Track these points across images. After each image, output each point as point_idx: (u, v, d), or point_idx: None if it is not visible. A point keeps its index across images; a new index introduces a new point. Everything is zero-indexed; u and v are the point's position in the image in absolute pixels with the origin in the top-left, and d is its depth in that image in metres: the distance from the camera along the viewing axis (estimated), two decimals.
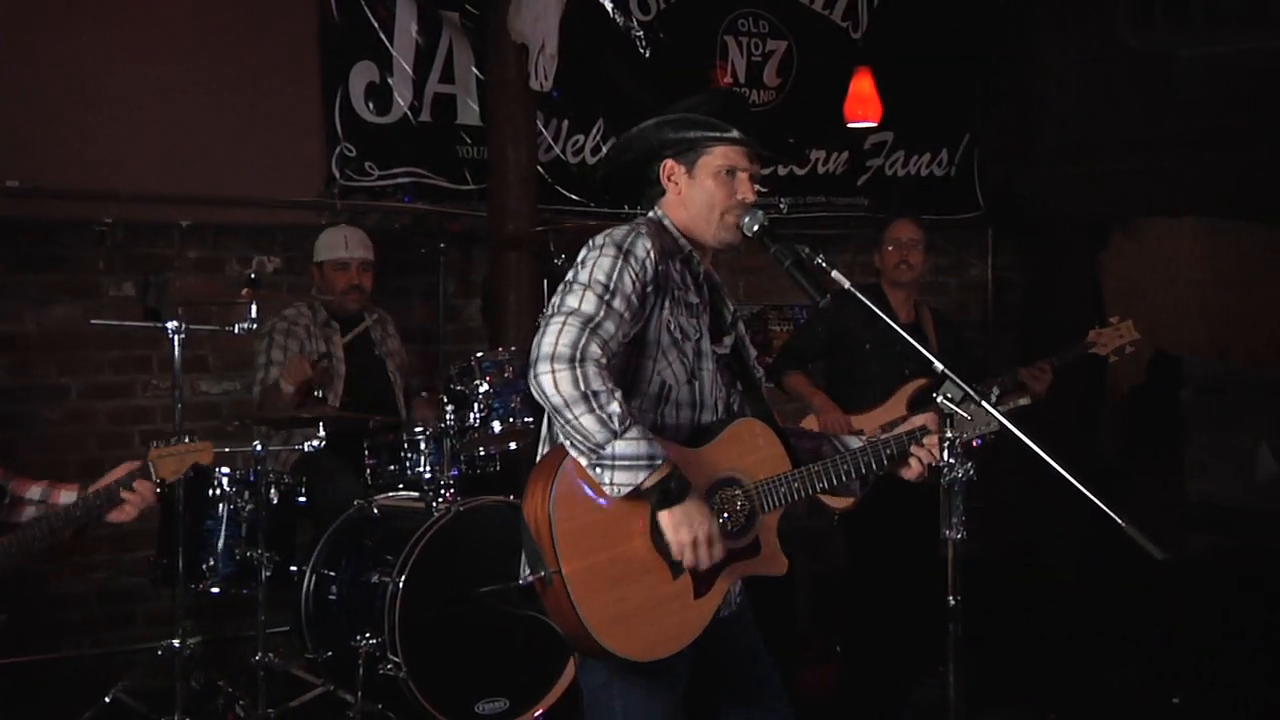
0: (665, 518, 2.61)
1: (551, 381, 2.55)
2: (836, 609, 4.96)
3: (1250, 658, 5.14)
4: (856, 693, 4.80)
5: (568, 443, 2.58)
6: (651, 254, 2.69)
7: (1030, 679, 5.27)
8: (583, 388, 2.53)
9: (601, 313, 2.61)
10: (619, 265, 2.67)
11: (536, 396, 2.61)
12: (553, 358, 2.55)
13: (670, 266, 2.76)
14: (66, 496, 3.22)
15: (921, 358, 4.72)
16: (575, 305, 2.61)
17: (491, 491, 4.59)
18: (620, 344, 2.66)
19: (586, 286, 2.64)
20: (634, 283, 2.67)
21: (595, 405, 2.52)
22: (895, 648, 4.85)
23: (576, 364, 2.54)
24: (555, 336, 2.57)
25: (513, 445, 4.76)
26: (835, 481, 2.87)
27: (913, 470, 2.92)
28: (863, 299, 2.91)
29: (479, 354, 4.75)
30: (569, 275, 2.71)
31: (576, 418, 2.53)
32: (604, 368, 2.56)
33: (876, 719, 4.84)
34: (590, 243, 2.74)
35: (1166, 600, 5.41)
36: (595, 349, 2.57)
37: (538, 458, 2.78)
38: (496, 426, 4.66)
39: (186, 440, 3.51)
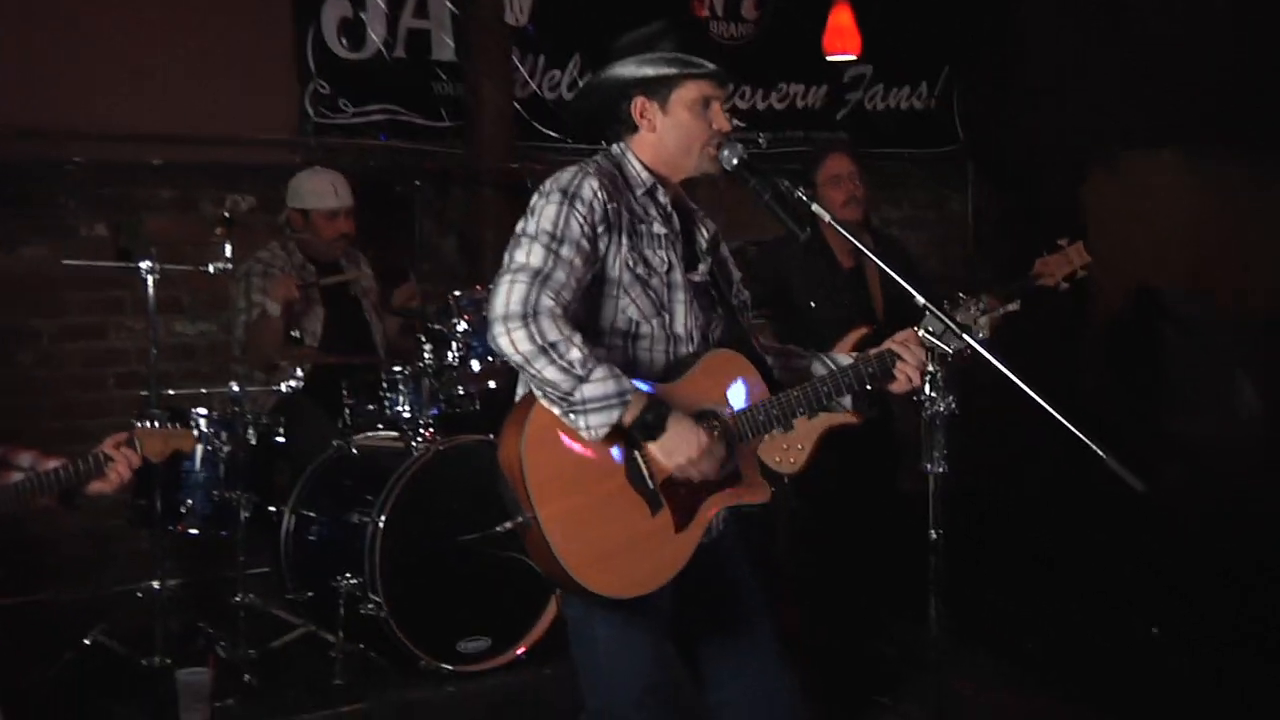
0: (656, 450, 2.62)
1: (508, 341, 2.55)
2: (815, 546, 4.96)
3: (1226, 590, 5.17)
4: (832, 631, 4.83)
5: (539, 394, 2.59)
6: (599, 193, 2.67)
7: (1009, 612, 5.31)
8: (539, 341, 2.53)
9: (550, 263, 2.60)
10: (564, 211, 2.65)
11: (499, 354, 2.61)
12: (505, 317, 2.55)
13: (628, 201, 2.75)
14: (53, 465, 3.22)
15: (867, 305, 4.80)
16: (523, 260, 2.60)
17: (471, 430, 4.58)
18: (576, 289, 2.66)
19: (533, 238, 2.63)
20: (583, 226, 2.65)
21: (555, 356, 2.53)
22: (871, 586, 4.87)
23: (530, 319, 2.54)
24: (505, 296, 2.57)
25: (492, 384, 4.74)
26: (816, 405, 2.87)
27: (900, 385, 2.90)
28: (844, 232, 2.89)
29: (457, 293, 4.71)
30: (519, 226, 2.70)
31: (539, 371, 2.54)
32: (559, 316, 2.56)
33: (855, 656, 4.88)
34: (539, 190, 2.73)
35: (1144, 534, 5.43)
36: (547, 301, 2.56)
37: (516, 397, 2.77)
38: (475, 365, 4.64)
39: (172, 426, 3.52)
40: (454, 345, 4.64)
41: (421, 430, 4.57)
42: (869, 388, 2.92)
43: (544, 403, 2.59)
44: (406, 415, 4.64)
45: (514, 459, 2.59)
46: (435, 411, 4.65)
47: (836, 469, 4.54)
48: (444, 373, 4.66)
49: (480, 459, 4.36)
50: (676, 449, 2.62)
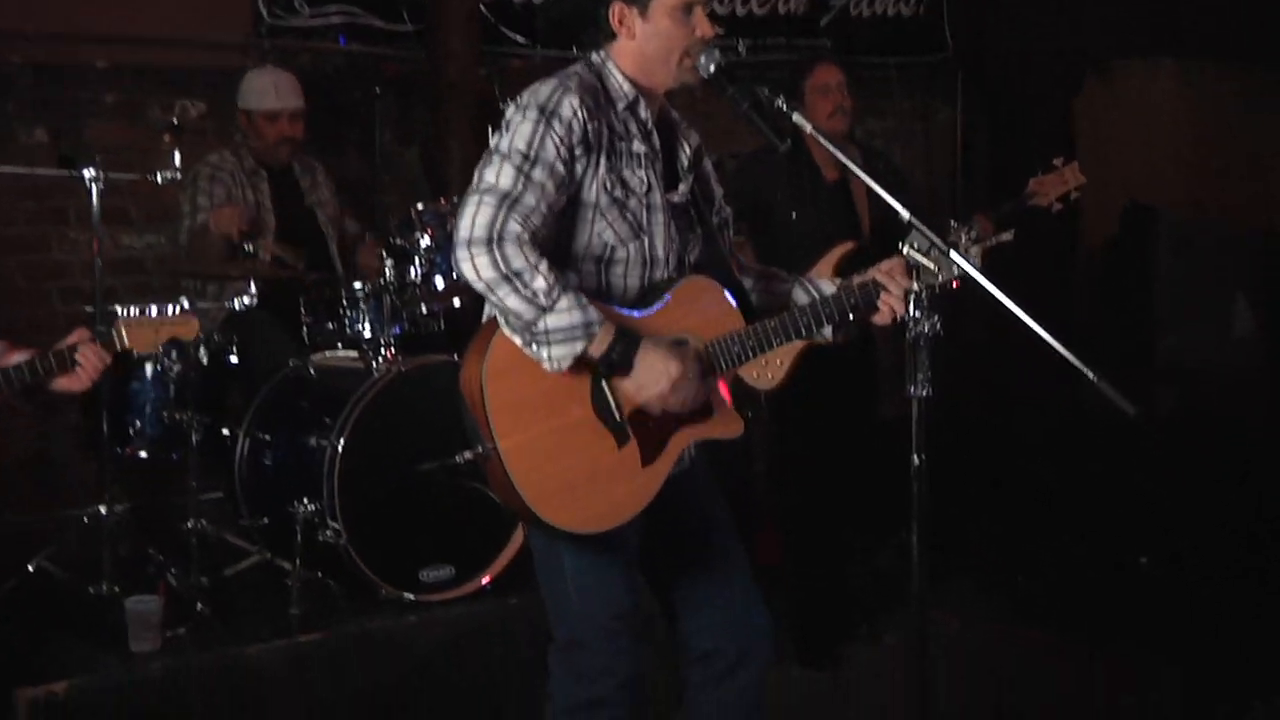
0: (626, 385, 2.61)
1: (471, 267, 2.50)
2: (795, 472, 4.94)
3: (1218, 518, 5.17)
4: (811, 560, 4.82)
5: (502, 322, 2.56)
6: (579, 112, 2.60)
7: (995, 542, 5.31)
8: (503, 269, 2.48)
9: (520, 186, 2.54)
10: (540, 131, 2.57)
11: (463, 279, 2.56)
12: (469, 241, 2.50)
13: (609, 118, 2.72)
14: (19, 358, 3.09)
15: (852, 220, 4.76)
16: (492, 181, 2.54)
17: (435, 350, 4.51)
18: (547, 214, 2.59)
19: (505, 157, 2.57)
20: (559, 148, 2.59)
21: (519, 285, 2.48)
22: (853, 514, 4.87)
23: (494, 245, 2.49)
24: (471, 218, 2.51)
25: (457, 301, 4.67)
26: (794, 336, 2.84)
27: (884, 316, 2.87)
28: (827, 144, 2.83)
29: (419, 206, 4.63)
30: (491, 142, 2.63)
31: (502, 299, 2.50)
32: (526, 242, 2.51)
33: (834, 586, 4.87)
34: (515, 102, 2.65)
35: (1136, 461, 5.42)
36: (514, 226, 2.50)
37: (483, 317, 2.72)
38: (439, 282, 4.57)
39: (175, 311, 3.31)
40: (417, 261, 4.56)
41: (383, 350, 4.49)
42: (850, 318, 2.89)
43: (505, 330, 2.57)
44: (367, 334, 4.57)
45: (475, 386, 2.56)
46: (397, 330, 4.57)
47: (816, 393, 4.53)
48: (406, 290, 4.58)
49: (444, 380, 4.14)
50: (647, 383, 2.59)
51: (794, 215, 4.68)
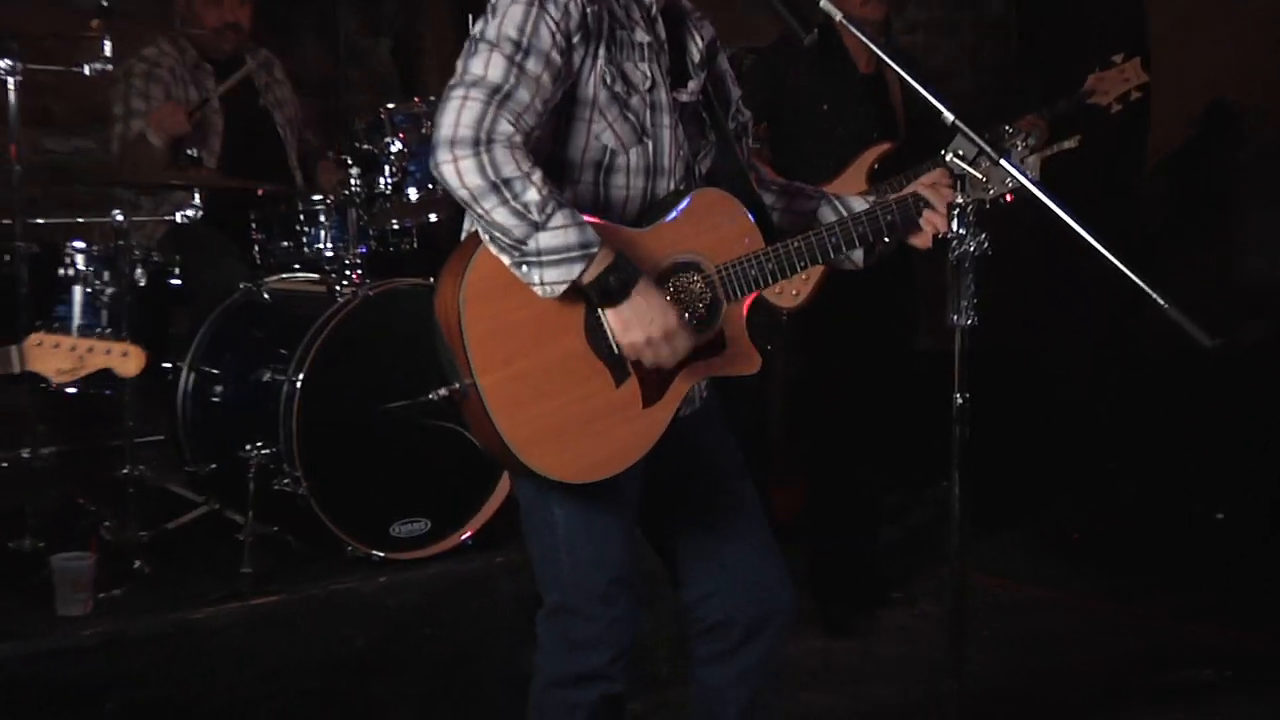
0: (612, 317, 2.59)
1: (454, 171, 2.47)
2: (816, 415, 4.96)
3: None
4: (837, 515, 4.83)
5: (486, 238, 2.54)
6: None
7: (1043, 495, 5.32)
8: (491, 176, 2.45)
9: (512, 79, 2.50)
10: (534, 15, 2.54)
11: (444, 187, 2.54)
12: (453, 142, 2.47)
13: (609, 2, 2.69)
14: None
15: (888, 117, 4.74)
16: (480, 72, 2.51)
17: (407, 272, 4.51)
18: (542, 112, 2.57)
19: (494, 46, 2.52)
20: (554, 34, 2.55)
21: (508, 195, 2.46)
22: (883, 462, 4.88)
23: (481, 147, 2.46)
24: (455, 115, 2.48)
25: (433, 216, 4.69)
26: (820, 258, 2.84)
27: (925, 237, 2.89)
28: (858, 33, 2.80)
29: (390, 105, 4.63)
30: (476, 27, 2.59)
31: (488, 212, 2.47)
32: (518, 146, 2.48)
33: (863, 545, 4.89)
34: None
35: (1209, 400, 5.41)
36: (505, 126, 2.47)
37: (462, 233, 2.71)
38: (413, 194, 4.58)
39: (113, 344, 3.24)
40: (387, 170, 4.55)
41: (347, 271, 4.50)
42: (885, 240, 2.90)
43: (491, 248, 2.55)
44: (329, 253, 4.59)
45: (452, 312, 2.56)
46: (364, 249, 4.58)
47: (845, 320, 4.53)
48: (374, 203, 4.58)
49: (417, 306, 4.19)
50: (632, 323, 2.59)
51: (824, 108, 4.67)
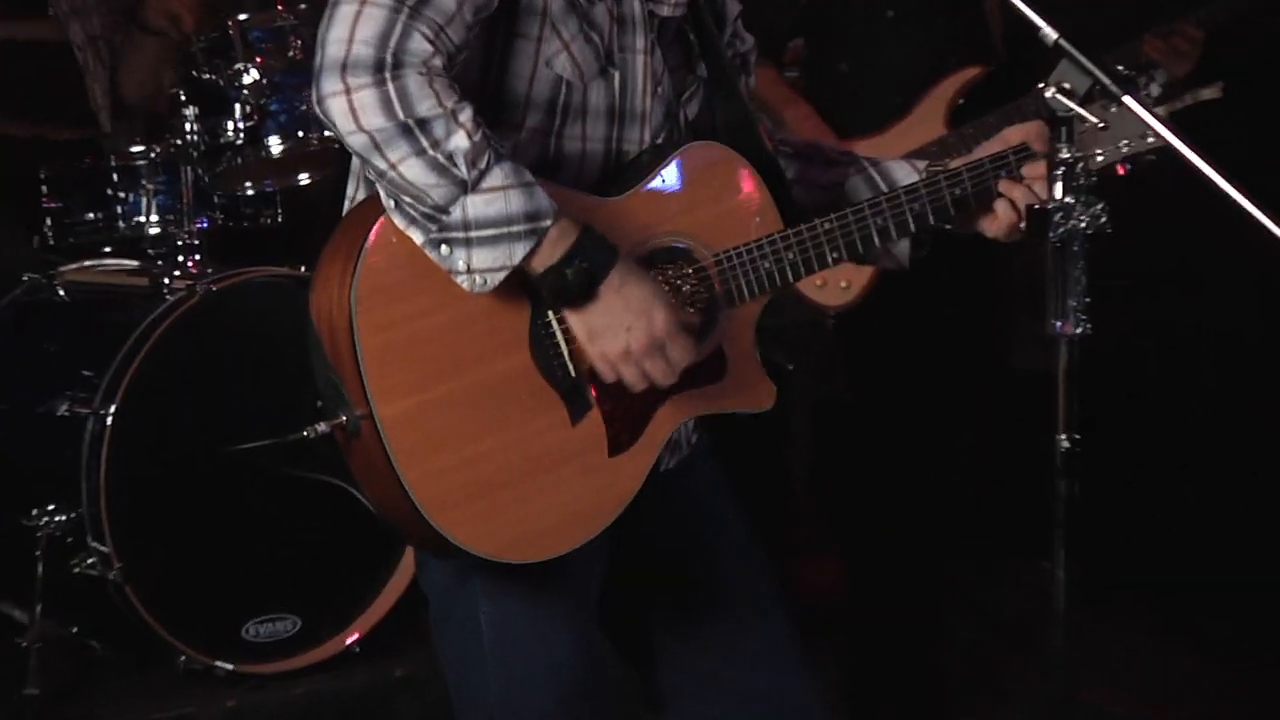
0: (574, 322, 2.62)
1: (345, 108, 2.47)
2: (850, 462, 5.00)
3: None
4: (886, 599, 4.90)
5: (389, 204, 2.55)
6: None
7: (1173, 572, 5.36)
8: (400, 114, 2.45)
9: None
10: None
11: (330, 130, 2.53)
12: (344, 66, 2.46)
13: None
14: None
15: (979, 31, 4.75)
16: None
17: (267, 258, 4.58)
18: (471, 25, 2.57)
19: None
20: None
21: (425, 142, 2.45)
22: (952, 527, 4.91)
23: (387, 74, 2.45)
24: (348, 29, 2.47)
25: (303, 178, 4.78)
26: (858, 249, 2.87)
27: (1000, 222, 2.92)
28: None
29: (243, 17, 4.68)
30: None
31: (394, 166, 2.47)
32: (439, 71, 2.48)
33: (925, 644, 4.93)
34: None
35: None
36: (420, 44, 2.47)
37: (346, 202, 2.73)
38: (275, 144, 4.66)
39: None
40: (237, 110, 4.62)
41: (179, 257, 4.57)
42: (947, 225, 2.94)
43: (397, 220, 2.55)
44: (153, 230, 4.65)
45: (339, 316, 2.58)
46: (203, 224, 4.66)
47: (898, 328, 4.55)
48: (219, 157, 4.65)
49: (282, 307, 4.36)
50: (605, 330, 2.61)
51: (889, 14, 4.70)
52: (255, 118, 4.61)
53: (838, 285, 3.63)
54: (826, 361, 4.81)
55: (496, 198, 2.48)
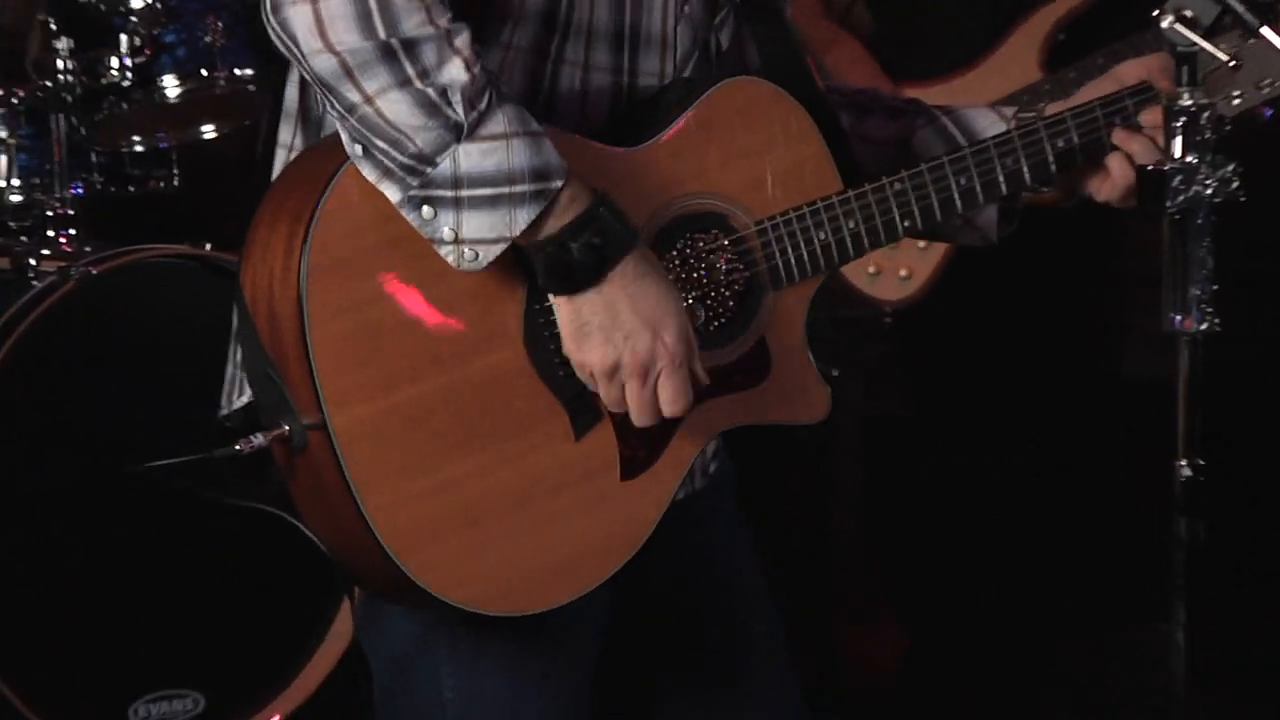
0: (566, 311, 2.61)
1: (311, 19, 2.46)
2: (910, 498, 5.00)
3: None
4: (956, 676, 4.91)
5: (356, 152, 2.54)
6: None
7: None
8: (382, 32, 2.45)
9: None
10: None
11: (284, 51, 2.53)
12: None
13: None
14: None
15: None
16: None
17: (159, 233, 4.59)
18: None
19: None
20: None
21: (412, 70, 2.46)
22: (1031, 583, 4.93)
23: None
24: None
25: (207, 130, 4.79)
26: (935, 216, 2.89)
27: (1114, 181, 2.93)
28: None
29: None
30: None
31: (370, 100, 2.47)
32: None
33: None
34: None
35: None
36: None
37: (278, 157, 2.74)
38: (171, 87, 4.69)
39: None
40: (123, 41, 4.64)
41: (48, 232, 4.59)
42: (1045, 188, 2.97)
43: (365, 171, 2.54)
44: (15, 198, 4.67)
45: (282, 296, 2.57)
46: (79, 190, 4.69)
47: (975, 327, 4.54)
48: (99, 103, 4.68)
49: (178, 297, 4.40)
50: (602, 333, 2.60)
51: None
52: (146, 52, 4.59)
53: (896, 274, 3.66)
54: (880, 371, 4.79)
55: (497, 148, 2.48)
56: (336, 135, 2.57)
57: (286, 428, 2.57)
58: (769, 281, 2.80)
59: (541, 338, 2.64)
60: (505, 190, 2.48)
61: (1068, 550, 4.85)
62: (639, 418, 2.63)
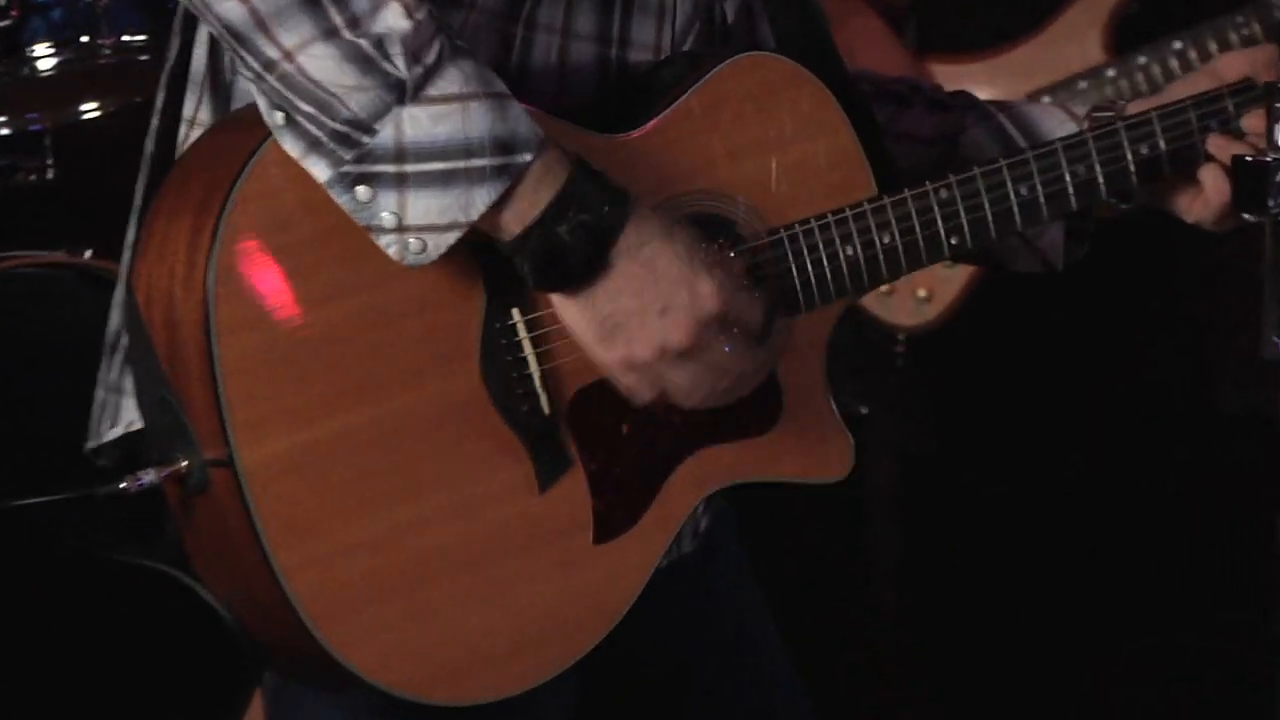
0: (576, 314, 2.62)
1: None
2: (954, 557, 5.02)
3: None
4: None
5: (276, 120, 2.54)
6: None
7: None
8: None
9: None
10: None
11: (184, 1, 2.54)
12: None
13: None
14: None
15: None
16: None
17: (33, 238, 4.63)
18: None
19: None
20: None
21: (340, 18, 2.47)
22: (1084, 655, 4.96)
23: None
24: None
25: (89, 110, 4.79)
26: (989, 231, 2.89)
27: (1207, 199, 2.94)
28: None
29: None
30: None
31: (290, 55, 2.47)
32: None
33: None
34: None
35: None
36: None
37: (180, 135, 2.73)
38: (44, 56, 4.69)
39: None
40: None
41: None
42: (1120, 199, 2.96)
43: (288, 145, 2.53)
44: None
45: (184, 302, 2.56)
46: None
47: (1033, 357, 4.54)
48: None
49: (53, 312, 4.39)
50: (634, 319, 2.61)
51: None
52: (12, 13, 4.59)
53: (912, 294, 3.68)
54: (899, 407, 4.81)
55: (450, 112, 2.48)
56: (253, 106, 2.56)
57: (184, 463, 2.54)
58: (782, 304, 2.79)
59: (502, 363, 2.63)
60: (460, 165, 2.49)
61: (1148, 618, 4.89)
62: (732, 390, 2.67)
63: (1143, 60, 4.32)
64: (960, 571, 5.00)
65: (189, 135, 2.76)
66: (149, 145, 2.80)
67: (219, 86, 2.76)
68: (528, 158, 2.49)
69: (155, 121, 2.83)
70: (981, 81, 4.54)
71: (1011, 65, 4.61)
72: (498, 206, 2.49)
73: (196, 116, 2.74)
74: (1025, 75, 4.49)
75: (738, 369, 2.64)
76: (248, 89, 2.57)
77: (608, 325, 2.57)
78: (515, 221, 2.51)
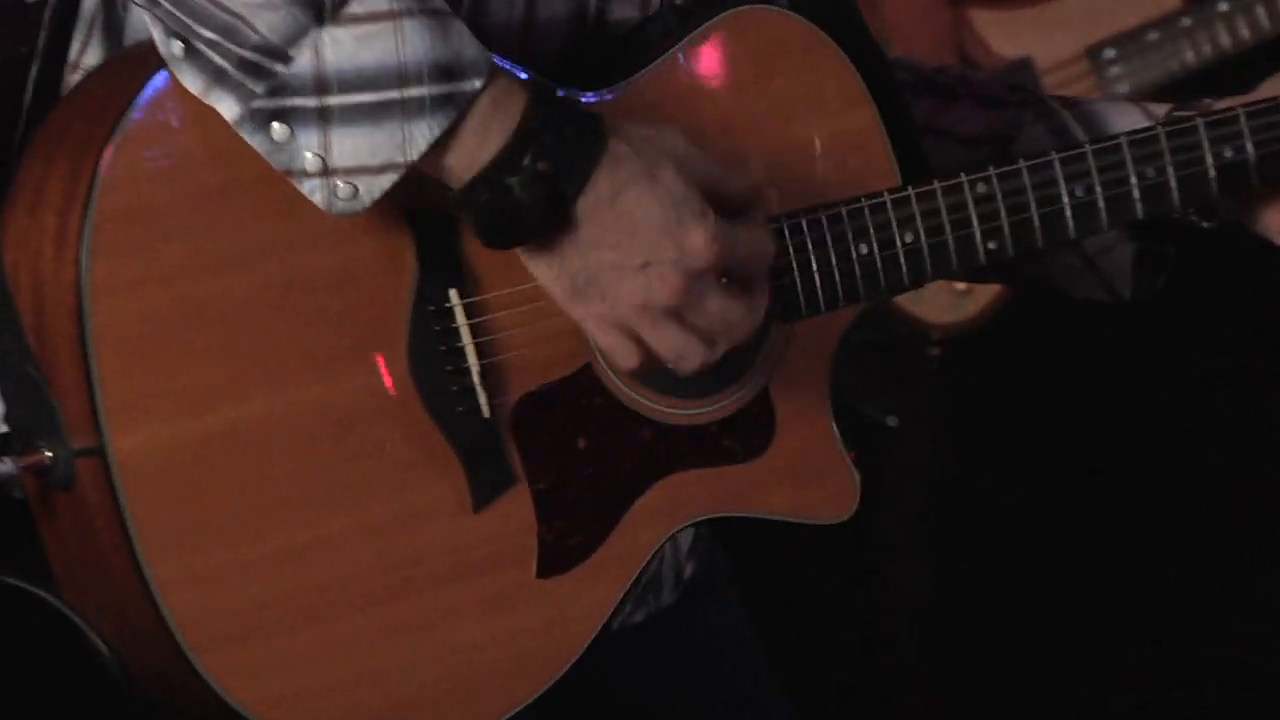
0: (544, 270, 2.61)
1: None
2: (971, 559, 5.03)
3: None
4: None
5: (174, 50, 2.53)
6: None
7: None
8: None
9: None
10: None
11: None
12: None
13: None
14: None
15: None
16: None
17: None
18: None
19: None
20: None
21: None
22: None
23: None
24: None
25: None
26: (1036, 240, 2.86)
27: None
28: None
29: None
30: None
31: None
32: None
33: None
34: None
35: None
36: None
37: (64, 80, 2.70)
38: None
39: None
40: None
41: None
42: (1197, 209, 2.94)
43: (187, 79, 2.53)
44: None
45: (54, 261, 2.55)
46: None
47: (1091, 373, 4.54)
48: None
49: None
50: (611, 273, 2.58)
51: None
52: None
53: (949, 288, 3.63)
54: (927, 414, 4.80)
55: (379, 33, 2.47)
56: (148, 41, 2.53)
57: (47, 453, 2.50)
58: (780, 307, 2.74)
59: (435, 354, 2.59)
60: (395, 95, 2.47)
61: (1208, 663, 4.93)
62: (710, 357, 2.62)
63: (1224, 8, 4.29)
64: (992, 603, 5.04)
65: (73, 82, 2.73)
66: (28, 95, 2.74)
67: (111, 24, 2.73)
68: (476, 85, 2.48)
69: (34, 68, 2.78)
70: (1031, 32, 4.53)
71: (1068, 12, 4.62)
72: (440, 145, 2.47)
73: (82, 60, 2.72)
74: (1084, 25, 4.51)
75: (741, 329, 2.59)
76: (143, 20, 2.53)
77: (579, 280, 2.55)
78: (462, 166, 2.48)
